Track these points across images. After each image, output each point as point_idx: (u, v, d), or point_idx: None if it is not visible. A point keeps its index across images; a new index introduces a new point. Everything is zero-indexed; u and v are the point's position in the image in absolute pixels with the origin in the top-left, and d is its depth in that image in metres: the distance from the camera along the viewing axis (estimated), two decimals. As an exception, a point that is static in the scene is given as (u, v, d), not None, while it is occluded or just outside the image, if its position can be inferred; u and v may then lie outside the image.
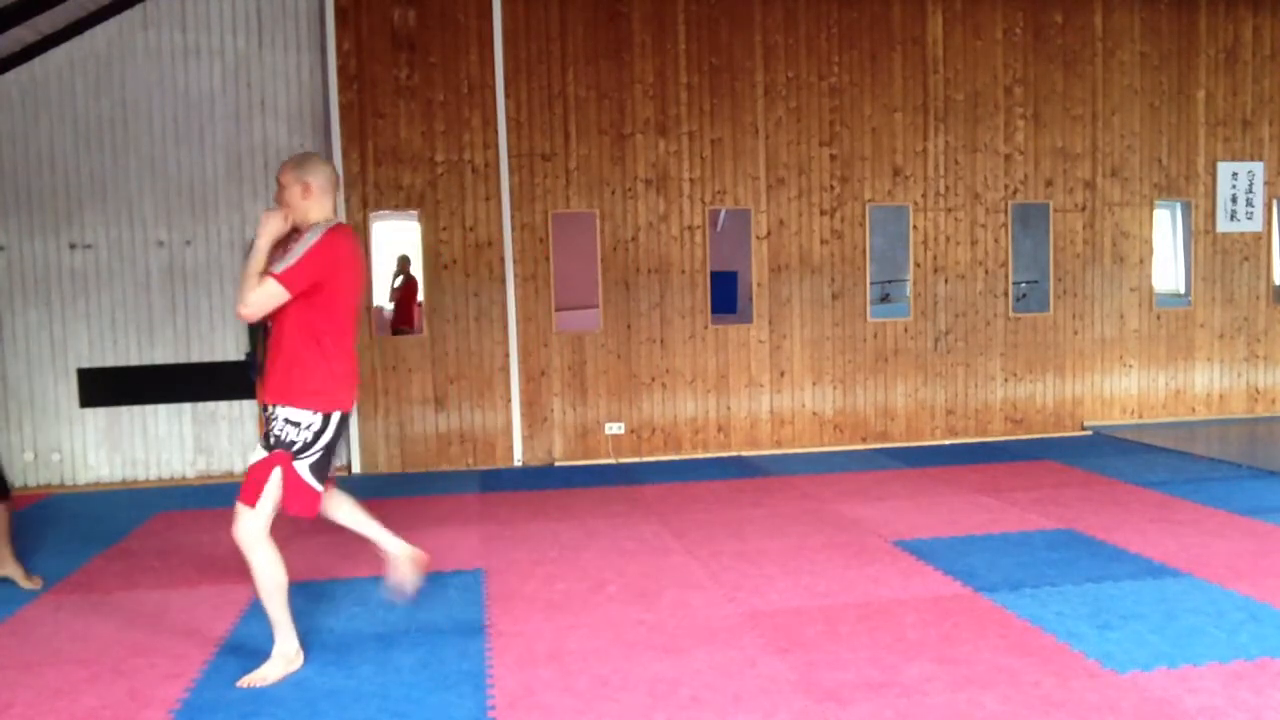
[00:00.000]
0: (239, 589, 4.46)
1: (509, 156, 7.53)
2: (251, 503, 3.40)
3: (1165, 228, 8.86)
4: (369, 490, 6.87)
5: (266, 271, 3.34)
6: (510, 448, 7.69)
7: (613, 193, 7.71)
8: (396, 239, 7.95)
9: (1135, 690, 3.21)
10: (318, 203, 3.50)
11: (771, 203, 7.95)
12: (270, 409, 3.43)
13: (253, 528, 3.42)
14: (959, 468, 7.10)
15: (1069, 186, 8.45)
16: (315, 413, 3.42)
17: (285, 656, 3.54)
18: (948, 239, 8.27)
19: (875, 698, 3.21)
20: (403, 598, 3.95)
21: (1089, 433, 8.48)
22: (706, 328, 7.91)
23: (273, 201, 3.44)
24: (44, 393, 7.16)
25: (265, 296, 3.32)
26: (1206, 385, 8.86)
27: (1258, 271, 8.90)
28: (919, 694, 3.23)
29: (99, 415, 7.25)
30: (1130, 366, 8.70)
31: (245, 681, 3.44)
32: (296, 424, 3.40)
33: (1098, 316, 8.60)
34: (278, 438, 3.40)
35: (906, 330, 8.25)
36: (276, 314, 3.43)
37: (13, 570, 4.65)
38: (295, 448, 3.41)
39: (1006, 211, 8.35)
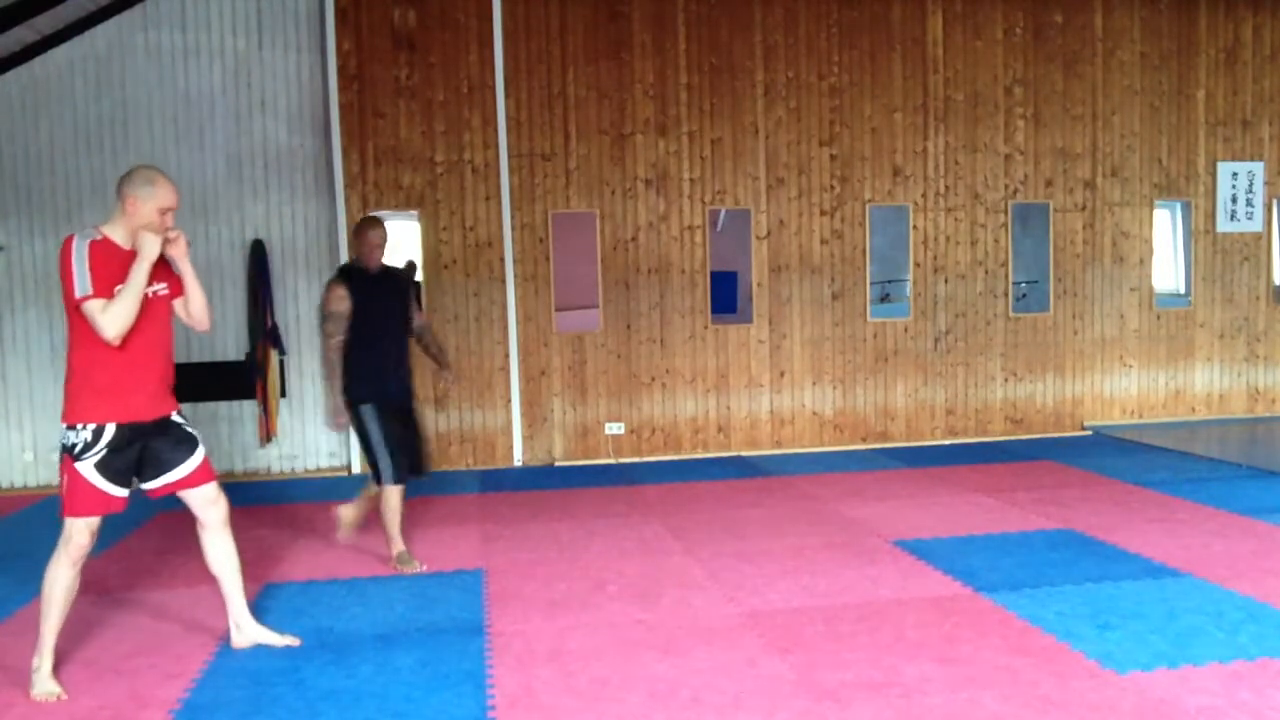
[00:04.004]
0: (239, 589, 4.45)
1: (509, 156, 7.53)
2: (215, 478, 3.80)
3: (1165, 228, 8.85)
4: (369, 490, 6.87)
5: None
6: (510, 448, 7.68)
7: (613, 193, 7.71)
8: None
9: (1135, 690, 3.21)
10: None
11: (771, 203, 7.95)
12: (177, 414, 3.65)
13: None
14: (959, 468, 7.10)
15: (1069, 186, 8.45)
16: None
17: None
18: (948, 239, 8.27)
19: (875, 698, 3.21)
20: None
21: (1089, 433, 8.48)
22: (706, 328, 7.91)
23: (161, 230, 3.43)
24: (44, 393, 7.15)
25: None
26: (1206, 385, 8.86)
27: (1258, 271, 8.90)
28: (919, 694, 3.23)
29: (99, 415, 7.24)
30: (1130, 366, 8.70)
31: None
32: None
33: (1098, 316, 8.60)
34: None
35: (906, 330, 8.25)
36: (166, 324, 3.59)
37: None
38: None
39: (1006, 211, 8.35)
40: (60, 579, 3.43)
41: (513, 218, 7.57)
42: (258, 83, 7.34)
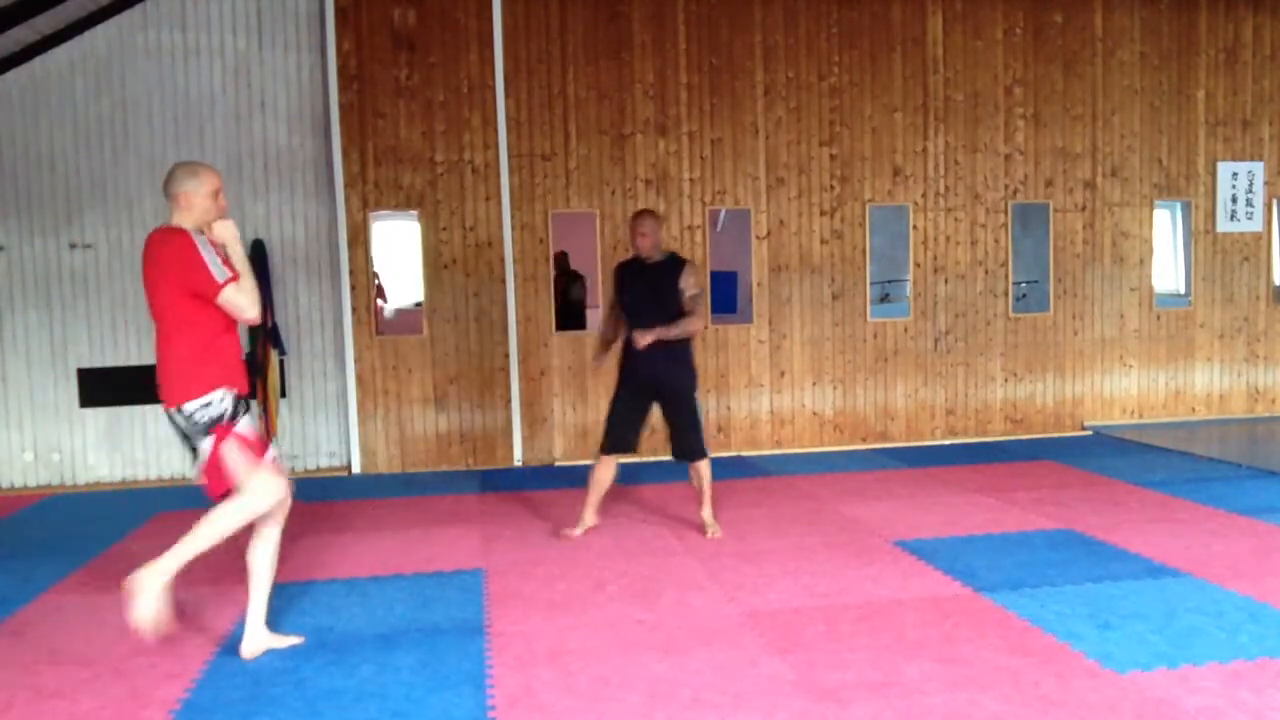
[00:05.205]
0: (239, 589, 4.44)
1: (509, 156, 7.53)
2: None
3: (1165, 228, 8.86)
4: (369, 490, 6.87)
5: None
6: (510, 448, 7.68)
7: (613, 193, 7.71)
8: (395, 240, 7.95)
9: (1135, 690, 3.21)
10: None
11: (771, 203, 7.95)
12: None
13: None
14: (959, 468, 7.10)
15: (1069, 186, 8.45)
16: None
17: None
18: (948, 239, 8.27)
19: (875, 698, 3.21)
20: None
21: (1089, 433, 8.48)
22: (706, 328, 7.91)
23: (220, 213, 3.57)
24: (44, 393, 7.16)
25: None
26: (1206, 385, 8.86)
27: (1258, 271, 8.90)
28: (919, 694, 3.23)
29: (99, 415, 7.24)
30: (1130, 366, 8.70)
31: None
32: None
33: (1098, 316, 8.60)
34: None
35: (906, 330, 8.25)
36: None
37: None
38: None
39: (1006, 211, 8.35)
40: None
41: (513, 218, 7.57)
42: (258, 83, 7.34)
